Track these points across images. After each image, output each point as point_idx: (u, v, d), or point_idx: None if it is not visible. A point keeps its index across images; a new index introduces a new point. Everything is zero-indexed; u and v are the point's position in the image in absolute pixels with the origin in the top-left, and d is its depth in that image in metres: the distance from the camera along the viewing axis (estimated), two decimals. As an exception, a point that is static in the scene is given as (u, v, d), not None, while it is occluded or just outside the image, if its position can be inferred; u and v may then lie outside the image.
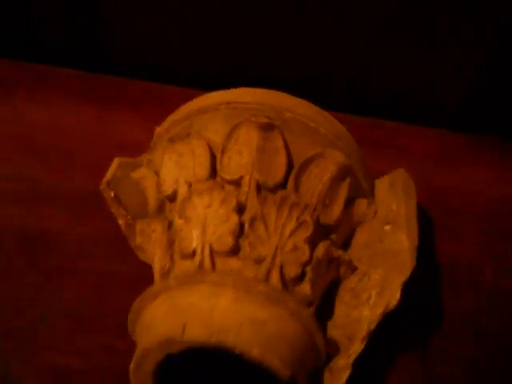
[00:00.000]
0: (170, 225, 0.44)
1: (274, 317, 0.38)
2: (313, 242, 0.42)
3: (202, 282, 0.38)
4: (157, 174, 0.47)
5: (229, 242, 0.41)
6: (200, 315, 0.37)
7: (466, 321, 0.50)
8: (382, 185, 0.49)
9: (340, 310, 0.45)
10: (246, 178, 0.43)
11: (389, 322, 0.43)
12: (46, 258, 0.50)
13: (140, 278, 0.47)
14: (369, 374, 0.46)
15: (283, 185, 0.44)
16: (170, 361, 0.39)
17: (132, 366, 0.39)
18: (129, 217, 0.47)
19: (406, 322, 0.48)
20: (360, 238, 0.47)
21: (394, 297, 0.42)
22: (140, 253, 0.48)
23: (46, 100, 0.58)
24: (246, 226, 0.41)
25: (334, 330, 0.43)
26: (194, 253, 0.41)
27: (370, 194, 0.48)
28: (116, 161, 0.48)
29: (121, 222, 0.48)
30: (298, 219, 0.42)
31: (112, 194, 0.47)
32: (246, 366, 0.38)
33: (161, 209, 0.46)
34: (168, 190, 0.45)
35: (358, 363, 0.42)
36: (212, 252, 0.41)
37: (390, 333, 0.46)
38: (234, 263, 0.41)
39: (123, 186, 0.48)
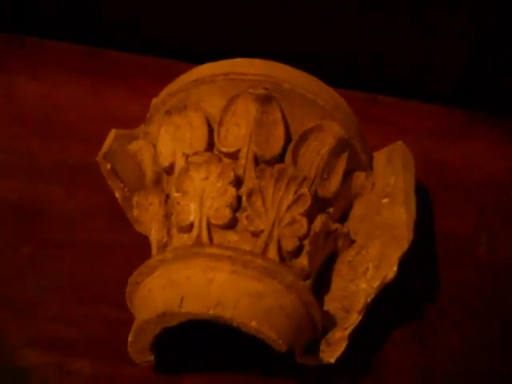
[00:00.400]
0: (167, 198, 0.44)
1: (271, 290, 0.38)
2: (310, 215, 0.42)
3: (199, 256, 0.38)
4: (154, 146, 0.46)
5: (226, 215, 0.41)
6: (197, 289, 0.37)
7: (462, 293, 0.50)
8: (380, 158, 0.49)
9: (337, 283, 0.45)
10: (244, 150, 0.43)
11: (385, 294, 0.44)
12: (42, 230, 0.50)
13: (136, 249, 0.47)
14: (365, 347, 0.46)
15: (281, 157, 0.44)
16: (167, 332, 0.39)
17: (130, 338, 0.40)
18: (126, 189, 0.47)
19: (402, 294, 0.48)
20: (358, 211, 0.47)
21: (391, 270, 0.42)
22: (137, 225, 0.47)
23: (42, 74, 0.57)
24: (244, 199, 0.41)
25: (331, 303, 0.44)
26: (191, 226, 0.41)
27: (369, 166, 0.48)
28: (112, 132, 0.48)
29: (118, 194, 0.47)
30: (295, 192, 0.42)
31: (108, 167, 0.47)
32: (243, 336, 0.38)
33: (158, 181, 0.45)
34: (165, 162, 0.45)
35: (355, 335, 0.42)
36: (209, 225, 0.41)
37: (386, 304, 0.46)
38: (231, 236, 0.41)
39: (120, 159, 0.47)
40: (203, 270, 0.38)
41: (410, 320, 0.49)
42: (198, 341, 0.46)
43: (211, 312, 0.36)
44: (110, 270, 0.48)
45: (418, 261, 0.49)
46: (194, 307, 0.37)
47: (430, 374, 0.47)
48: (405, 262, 0.43)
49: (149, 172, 0.47)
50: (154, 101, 0.48)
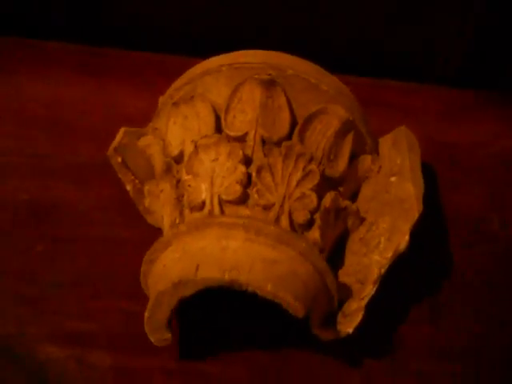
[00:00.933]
0: (178, 182, 0.44)
1: (284, 257, 0.39)
2: (320, 192, 0.43)
3: (212, 225, 0.39)
4: (163, 140, 0.47)
5: (237, 190, 0.41)
6: (212, 256, 0.38)
7: (475, 271, 0.50)
8: (385, 142, 0.50)
9: (350, 259, 0.45)
10: (251, 133, 0.44)
11: (397, 274, 0.44)
12: (55, 228, 0.50)
13: (149, 242, 0.47)
14: (379, 328, 0.46)
15: (287, 140, 0.44)
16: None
17: (146, 314, 0.40)
18: (137, 181, 0.48)
19: (414, 274, 0.48)
20: (366, 191, 0.48)
21: (403, 239, 0.42)
22: (148, 216, 0.48)
23: (47, 75, 0.58)
24: (253, 175, 0.42)
25: (345, 277, 0.44)
26: (203, 204, 0.42)
27: (374, 150, 0.49)
28: (122, 130, 0.49)
29: (129, 187, 0.48)
30: (304, 169, 0.43)
31: (119, 160, 0.48)
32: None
33: (168, 170, 0.46)
34: (174, 151, 0.45)
35: (368, 316, 0.42)
36: (221, 201, 0.41)
37: (398, 285, 0.46)
38: (242, 211, 0.41)
39: (130, 153, 0.48)
40: (217, 239, 0.38)
41: (424, 300, 0.48)
42: (214, 328, 0.46)
43: (227, 276, 0.37)
44: (123, 263, 0.48)
45: (430, 241, 0.50)
46: (210, 273, 0.37)
47: (445, 354, 0.47)
48: (417, 242, 0.44)
49: (158, 165, 0.48)
50: (162, 97, 0.50)
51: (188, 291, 0.38)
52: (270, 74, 0.45)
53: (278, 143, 0.44)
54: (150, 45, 0.60)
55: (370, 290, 0.42)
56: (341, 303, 0.42)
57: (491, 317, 0.48)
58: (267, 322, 0.46)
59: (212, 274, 0.37)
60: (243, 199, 0.41)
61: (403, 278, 0.47)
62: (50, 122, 0.56)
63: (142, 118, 0.50)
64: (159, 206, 0.46)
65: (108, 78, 0.59)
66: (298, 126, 0.45)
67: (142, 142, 0.49)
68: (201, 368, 0.45)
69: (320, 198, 0.43)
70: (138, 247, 0.48)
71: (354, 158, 0.47)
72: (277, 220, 0.41)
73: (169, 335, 0.40)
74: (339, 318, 0.41)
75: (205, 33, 0.60)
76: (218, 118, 0.45)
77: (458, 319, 0.48)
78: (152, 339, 0.41)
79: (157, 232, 0.47)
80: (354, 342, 0.43)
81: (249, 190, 0.42)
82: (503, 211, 0.53)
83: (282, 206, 0.41)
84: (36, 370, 0.45)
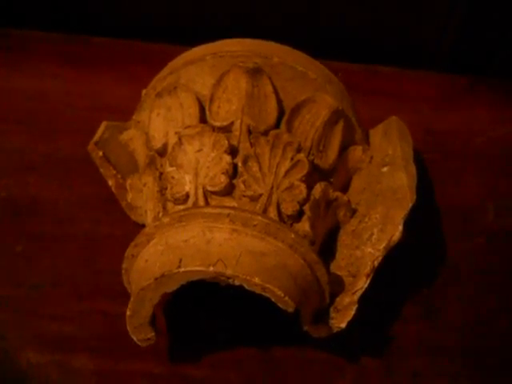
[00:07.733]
0: (161, 174, 0.42)
1: (273, 249, 0.37)
2: (309, 182, 0.41)
3: (196, 216, 0.37)
4: (146, 133, 0.46)
5: (222, 181, 0.39)
6: (196, 249, 0.36)
7: (471, 263, 0.48)
8: (376, 133, 0.48)
9: (342, 253, 0.43)
10: (237, 123, 0.42)
11: (390, 269, 0.42)
12: (35, 226, 0.48)
13: (132, 240, 0.46)
14: (370, 324, 0.44)
15: (275, 129, 0.43)
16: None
17: (128, 312, 0.38)
18: (119, 176, 0.46)
19: (409, 268, 0.47)
20: (357, 183, 0.46)
21: (396, 230, 0.41)
22: (132, 212, 0.46)
23: (27, 66, 0.56)
24: (240, 165, 0.40)
25: (338, 271, 0.42)
26: (187, 196, 0.40)
27: (365, 140, 0.47)
28: (104, 124, 0.47)
29: (111, 182, 0.46)
30: (292, 159, 0.41)
31: (100, 154, 0.46)
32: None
33: (151, 163, 0.44)
34: (158, 144, 0.44)
35: (361, 314, 0.40)
36: (205, 193, 0.40)
37: (391, 281, 0.45)
38: (228, 202, 0.39)
39: (111, 147, 0.47)
40: (201, 231, 0.37)
41: (418, 295, 0.47)
42: (201, 330, 0.44)
43: (212, 269, 0.35)
44: (106, 262, 0.47)
45: (424, 233, 0.49)
46: (194, 265, 0.35)
47: (439, 351, 0.45)
48: (410, 235, 0.42)
49: (141, 158, 0.46)
50: (145, 90, 0.48)
51: (171, 286, 0.36)
52: (255, 63, 0.43)
53: (265, 133, 0.42)
54: (132, 33, 0.58)
55: (363, 284, 0.40)
56: (333, 297, 0.40)
57: (487, 312, 0.47)
58: (256, 325, 0.44)
59: (196, 266, 0.35)
60: (229, 190, 0.40)
61: (396, 272, 0.45)
62: (28, 114, 0.54)
63: (124, 107, 0.48)
64: (142, 200, 0.44)
65: (89, 67, 0.57)
66: (285, 116, 0.43)
67: (125, 136, 0.47)
68: (187, 372, 0.44)
69: (309, 188, 0.41)
70: (122, 246, 0.46)
71: (344, 148, 0.46)
72: (264, 211, 0.39)
73: (152, 334, 0.38)
74: (331, 312, 0.40)
75: (189, 22, 0.58)
76: (202, 109, 0.43)
77: (452, 315, 0.46)
78: (135, 338, 0.39)
79: (141, 229, 0.45)
80: (346, 340, 0.42)
81: (235, 181, 0.40)
82: (499, 200, 0.51)
83: (269, 196, 0.39)
84: (17, 377, 0.43)
